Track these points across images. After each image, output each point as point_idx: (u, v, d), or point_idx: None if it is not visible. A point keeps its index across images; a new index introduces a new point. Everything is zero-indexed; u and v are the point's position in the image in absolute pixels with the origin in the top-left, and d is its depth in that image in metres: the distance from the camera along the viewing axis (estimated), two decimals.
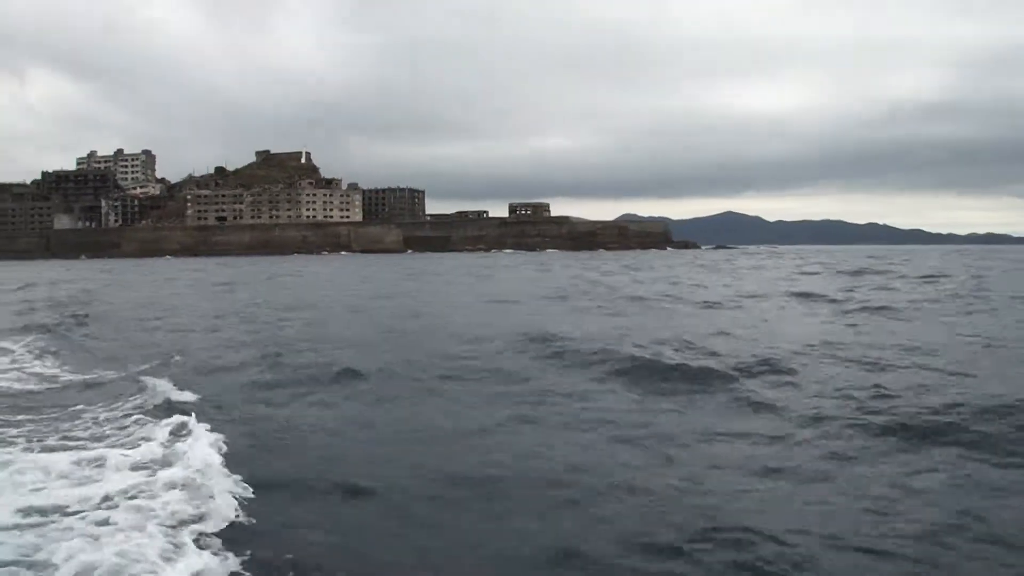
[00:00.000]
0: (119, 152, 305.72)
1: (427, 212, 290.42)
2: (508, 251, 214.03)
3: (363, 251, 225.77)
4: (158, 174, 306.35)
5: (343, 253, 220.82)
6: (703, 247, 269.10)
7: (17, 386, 18.37)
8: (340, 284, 66.02)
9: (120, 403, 15.70)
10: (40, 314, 38.02)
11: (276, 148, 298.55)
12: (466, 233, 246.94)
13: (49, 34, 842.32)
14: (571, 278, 66.01)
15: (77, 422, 14.10)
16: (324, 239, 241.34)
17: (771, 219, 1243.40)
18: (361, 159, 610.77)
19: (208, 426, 13.08)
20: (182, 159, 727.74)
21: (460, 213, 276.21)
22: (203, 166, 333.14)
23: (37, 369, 21.22)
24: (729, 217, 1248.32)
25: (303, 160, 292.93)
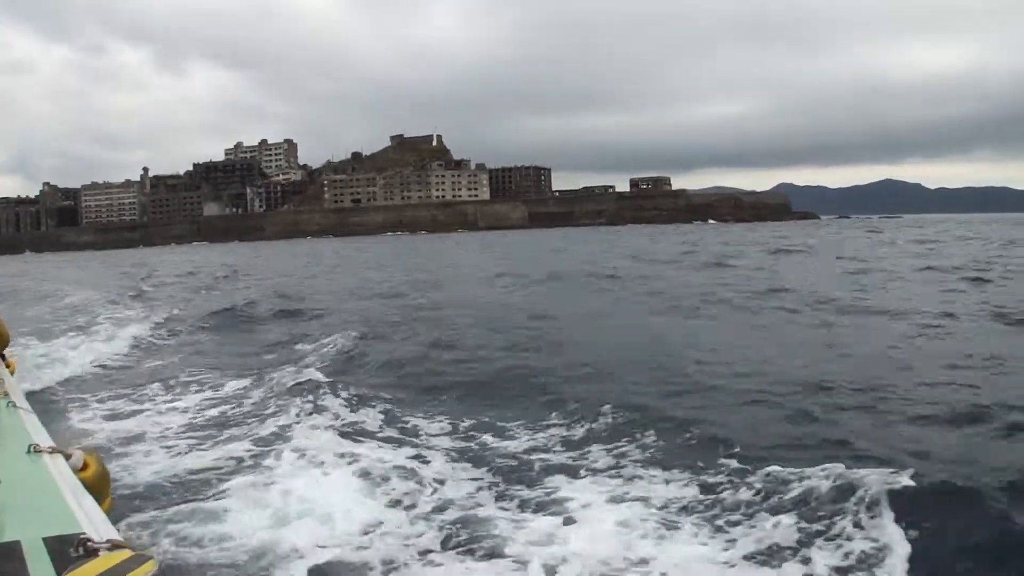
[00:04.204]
0: (263, 142, 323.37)
1: (560, 187, 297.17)
2: (629, 225, 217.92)
3: (488, 228, 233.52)
4: (301, 160, 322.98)
5: (458, 230, 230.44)
6: (824, 217, 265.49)
7: None
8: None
9: None
10: None
11: (414, 129, 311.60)
12: (586, 208, 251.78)
13: (204, 27, 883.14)
14: None
15: None
16: (452, 218, 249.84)
17: (932, 186, 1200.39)
18: (505, 135, 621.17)
19: None
20: (327, 142, 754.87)
21: (587, 188, 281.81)
22: (344, 149, 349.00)
23: None
24: (887, 184, 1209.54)
25: (434, 143, 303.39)
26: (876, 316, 21.13)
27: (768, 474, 8.18)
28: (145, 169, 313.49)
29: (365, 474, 8.93)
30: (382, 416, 11.91)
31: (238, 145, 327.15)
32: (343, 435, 10.73)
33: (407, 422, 11.63)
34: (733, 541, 6.82)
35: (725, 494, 7.91)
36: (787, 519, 7.09)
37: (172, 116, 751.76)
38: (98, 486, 3.92)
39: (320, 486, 8.57)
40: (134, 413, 13.25)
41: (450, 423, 11.64)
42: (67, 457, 3.96)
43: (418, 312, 26.12)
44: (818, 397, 11.65)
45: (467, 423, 11.60)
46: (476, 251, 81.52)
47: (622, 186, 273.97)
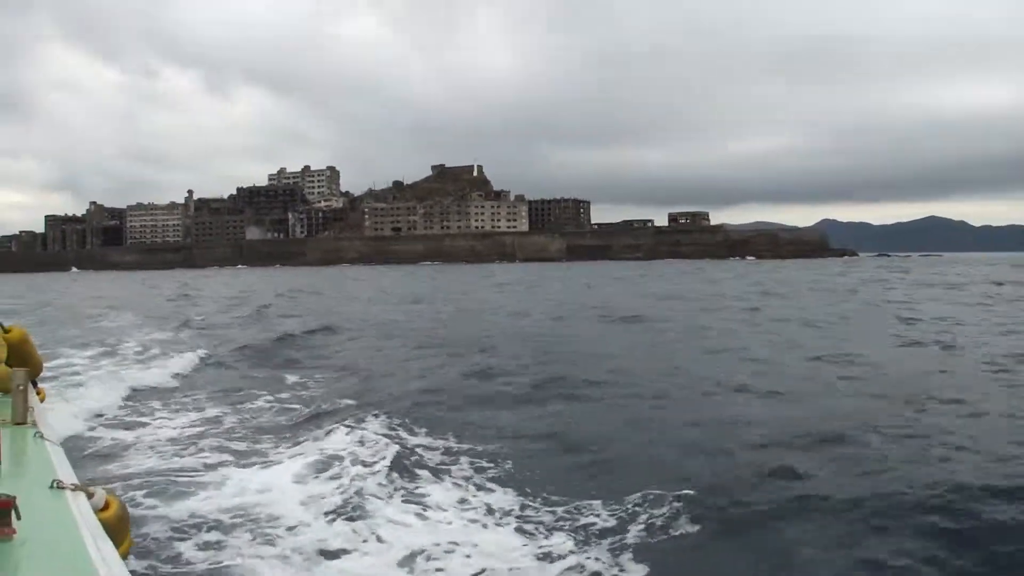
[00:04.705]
0: (306, 168, 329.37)
1: (600, 219, 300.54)
2: (666, 260, 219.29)
3: (526, 260, 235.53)
4: (343, 187, 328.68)
5: (496, 261, 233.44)
6: (863, 255, 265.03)
7: None
8: None
9: None
10: None
11: (456, 158, 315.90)
12: (623, 242, 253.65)
13: (252, 52, 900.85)
14: None
15: None
16: (491, 248, 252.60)
17: (976, 223, 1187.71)
18: (545, 166, 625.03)
19: None
20: (369, 169, 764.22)
21: (626, 222, 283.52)
22: (386, 177, 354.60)
23: None
24: (931, 222, 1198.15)
25: (475, 173, 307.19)
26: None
27: (579, 502, 10.23)
28: (190, 192, 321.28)
29: (310, 465, 11.91)
30: (339, 423, 14.67)
31: (281, 171, 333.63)
32: (305, 438, 13.86)
33: (358, 431, 14.13)
34: (527, 543, 8.99)
35: (533, 512, 10.02)
36: (573, 533, 9.27)
37: (218, 139, 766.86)
38: (117, 528, 4.02)
39: (274, 474, 11.53)
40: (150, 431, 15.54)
41: (389, 428, 14.34)
42: (89, 495, 4.03)
43: (424, 350, 27.98)
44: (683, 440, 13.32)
45: (400, 430, 14.33)
46: (504, 285, 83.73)
47: (661, 220, 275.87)
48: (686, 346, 27.07)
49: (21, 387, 5.62)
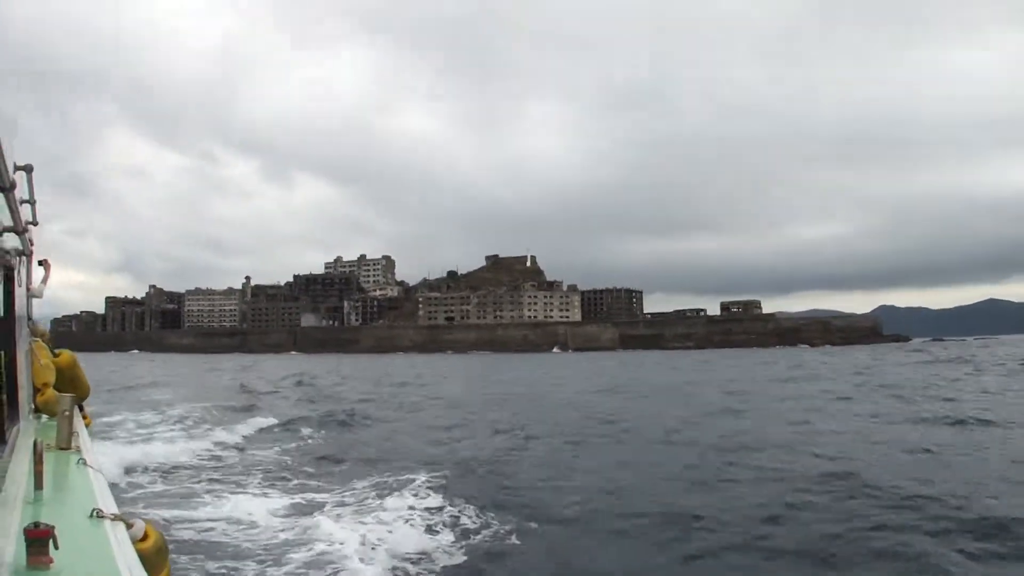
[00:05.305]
0: (362, 257, 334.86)
1: (654, 308, 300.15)
2: (719, 349, 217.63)
3: (578, 349, 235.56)
4: (398, 275, 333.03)
5: (552, 350, 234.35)
6: (917, 340, 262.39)
7: None
8: None
9: None
10: None
11: (509, 248, 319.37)
12: (675, 331, 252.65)
13: (312, 142, 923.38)
14: None
15: None
16: (543, 338, 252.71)
17: None
18: (599, 255, 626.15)
19: None
20: (424, 259, 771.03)
21: (678, 311, 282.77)
22: (440, 266, 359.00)
23: None
24: (990, 304, 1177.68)
25: (528, 263, 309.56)
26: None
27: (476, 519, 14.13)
28: (247, 278, 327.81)
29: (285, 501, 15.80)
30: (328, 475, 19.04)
31: (338, 259, 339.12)
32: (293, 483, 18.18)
33: (328, 481, 18.18)
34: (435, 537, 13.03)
35: (465, 519, 14.14)
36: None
37: (276, 226, 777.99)
38: (155, 560, 4.04)
39: (252, 502, 15.41)
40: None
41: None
42: (128, 526, 4.04)
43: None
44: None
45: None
46: (551, 374, 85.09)
47: (714, 309, 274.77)
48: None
49: (67, 413, 5.73)
